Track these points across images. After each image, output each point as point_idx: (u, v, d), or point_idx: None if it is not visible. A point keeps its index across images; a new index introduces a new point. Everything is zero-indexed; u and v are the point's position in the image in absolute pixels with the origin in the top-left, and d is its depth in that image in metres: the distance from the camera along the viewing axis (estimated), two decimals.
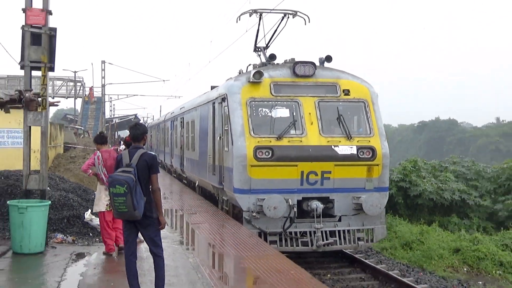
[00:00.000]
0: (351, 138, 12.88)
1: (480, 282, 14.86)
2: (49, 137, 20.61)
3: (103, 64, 51.49)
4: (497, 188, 26.31)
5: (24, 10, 10.66)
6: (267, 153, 12.41)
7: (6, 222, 10.86)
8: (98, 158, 9.86)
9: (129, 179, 6.62)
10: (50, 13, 10.80)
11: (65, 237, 11.02)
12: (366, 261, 14.01)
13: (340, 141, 12.82)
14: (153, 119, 67.97)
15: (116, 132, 59.95)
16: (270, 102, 13.11)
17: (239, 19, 15.70)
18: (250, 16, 15.35)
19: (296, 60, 13.79)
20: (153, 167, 6.90)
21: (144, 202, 6.76)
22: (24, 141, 11.04)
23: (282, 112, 13.10)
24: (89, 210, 12.02)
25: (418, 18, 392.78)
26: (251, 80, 12.99)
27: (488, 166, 30.14)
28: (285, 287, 7.85)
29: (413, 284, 12.18)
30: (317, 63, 13.80)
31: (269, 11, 15.18)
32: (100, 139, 10.27)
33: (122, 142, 13.86)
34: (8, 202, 10.11)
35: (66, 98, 54.62)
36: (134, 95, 64.38)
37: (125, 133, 47.53)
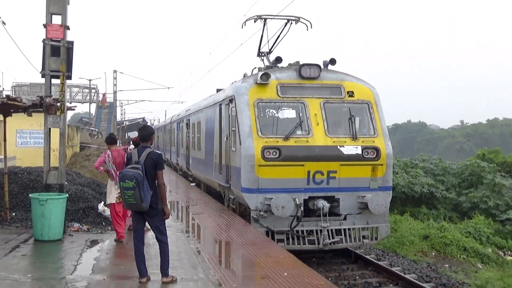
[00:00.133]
0: (356, 138, 12.00)
1: (446, 265, 14.93)
2: (67, 138, 20.51)
3: (114, 73, 51.27)
4: (461, 183, 26.46)
5: (45, 26, 10.71)
6: (274, 153, 11.51)
7: (29, 212, 10.84)
8: (108, 156, 9.87)
9: (138, 174, 6.62)
10: (68, 28, 10.83)
11: (81, 226, 11.00)
12: (351, 249, 13.25)
13: (345, 141, 11.91)
14: (159, 122, 67.73)
15: (126, 133, 59.91)
16: (277, 103, 12.18)
17: (245, 25, 14.65)
18: (255, 22, 14.28)
19: (301, 63, 12.70)
20: (159, 164, 6.90)
21: (151, 195, 6.76)
22: (44, 141, 11.03)
23: (288, 113, 12.27)
24: (102, 202, 11.98)
25: (419, 18, 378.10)
26: (258, 82, 12.08)
27: (454, 163, 30.30)
28: (273, 265, 7.87)
29: (387, 267, 12.20)
30: (321, 66, 12.87)
31: (273, 17, 14.13)
32: (110, 140, 10.26)
33: (131, 142, 13.78)
34: (30, 195, 10.10)
35: (82, 103, 54.28)
36: (142, 100, 64.91)
37: (134, 134, 47.35)
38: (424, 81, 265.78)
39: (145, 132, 7.17)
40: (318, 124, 11.94)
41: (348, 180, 11.81)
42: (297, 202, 11.30)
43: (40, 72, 10.90)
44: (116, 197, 9.74)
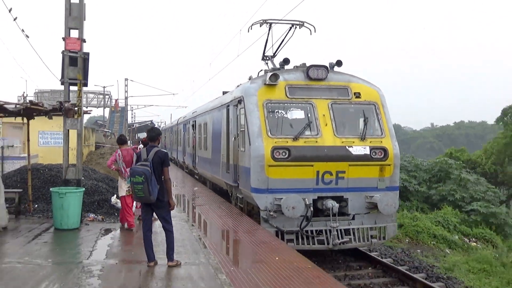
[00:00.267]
0: (364, 138, 10.96)
1: (419, 250, 14.99)
2: (83, 138, 20.42)
3: (126, 81, 51.32)
4: (432, 178, 26.55)
5: (64, 39, 10.72)
6: (284, 153, 10.43)
7: (49, 204, 10.82)
8: (119, 155, 9.85)
9: (146, 171, 6.62)
10: (84, 41, 10.81)
11: (96, 216, 10.96)
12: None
13: (354, 142, 10.84)
14: (165, 124, 67.54)
15: (136, 134, 59.76)
16: (286, 104, 11.00)
17: (251, 29, 13.42)
18: (260, 26, 13.11)
19: (307, 65, 11.63)
20: (165, 162, 6.90)
21: (158, 189, 6.76)
22: (63, 141, 11.00)
23: (297, 114, 11.11)
24: (115, 195, 11.95)
25: (418, 18, 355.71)
26: (267, 83, 11.02)
27: (425, 160, 30.39)
28: (267, 252, 7.87)
29: (368, 252, 12.22)
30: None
31: (278, 21, 12.99)
32: (120, 140, 10.23)
33: (141, 142, 13.74)
34: (51, 189, 10.07)
35: (97, 108, 54.04)
36: (150, 105, 64.42)
37: (143, 135, 47.24)
38: (398, 84, 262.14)
39: (153, 133, 7.18)
40: (326, 125, 10.94)
41: (357, 180, 10.78)
42: (307, 202, 10.25)
43: (60, 80, 10.88)
44: (126, 190, 9.74)
